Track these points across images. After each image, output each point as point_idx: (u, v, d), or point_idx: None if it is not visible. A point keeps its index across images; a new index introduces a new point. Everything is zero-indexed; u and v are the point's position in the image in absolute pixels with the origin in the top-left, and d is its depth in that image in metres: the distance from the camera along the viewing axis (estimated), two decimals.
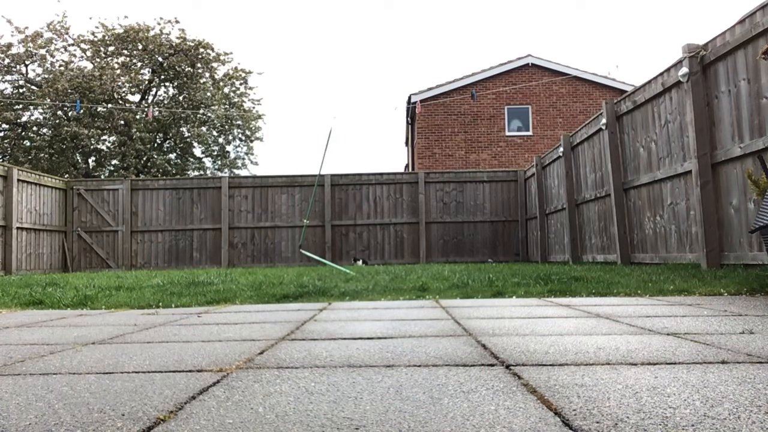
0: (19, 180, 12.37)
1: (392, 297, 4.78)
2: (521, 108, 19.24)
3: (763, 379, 1.56)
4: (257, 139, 28.17)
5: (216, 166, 27.84)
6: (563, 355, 1.97)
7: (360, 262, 13.77)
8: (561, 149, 10.69)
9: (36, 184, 13.11)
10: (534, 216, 13.38)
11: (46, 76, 23.84)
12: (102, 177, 24.49)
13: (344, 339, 2.47)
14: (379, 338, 2.46)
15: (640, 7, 63.00)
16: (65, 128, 22.47)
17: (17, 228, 12.31)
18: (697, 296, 4.15)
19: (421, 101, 18.10)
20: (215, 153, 27.53)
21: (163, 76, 25.80)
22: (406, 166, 27.96)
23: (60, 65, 24.26)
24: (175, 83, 26.01)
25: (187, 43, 25.01)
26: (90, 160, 25.20)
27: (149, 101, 26.52)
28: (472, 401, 1.39)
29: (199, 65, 25.58)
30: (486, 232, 14.53)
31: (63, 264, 14.12)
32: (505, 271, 7.39)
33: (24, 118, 24.00)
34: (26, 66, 24.33)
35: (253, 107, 27.80)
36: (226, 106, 26.89)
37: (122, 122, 24.44)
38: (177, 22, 25.32)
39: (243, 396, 1.50)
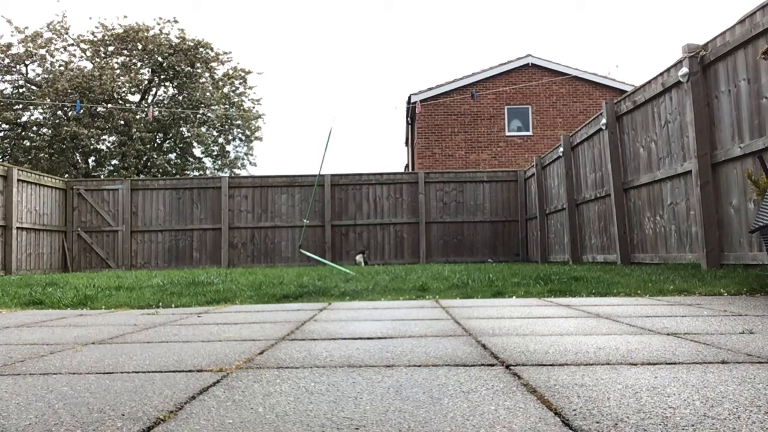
0: (19, 180, 12.37)
1: (392, 297, 4.78)
2: (521, 108, 19.24)
3: (763, 379, 1.56)
4: (257, 138, 28.19)
5: (216, 166, 27.85)
6: (563, 355, 1.97)
7: (360, 257, 13.78)
8: (561, 149, 10.69)
9: (36, 184, 13.11)
10: (534, 216, 13.37)
11: (46, 76, 23.84)
12: (102, 177, 24.48)
13: (344, 339, 2.47)
14: (379, 338, 2.46)
15: (640, 7, 62.99)
16: (65, 128, 22.46)
17: (17, 228, 12.30)
18: (697, 296, 4.15)
19: (421, 101, 18.10)
20: (215, 153, 27.54)
21: (162, 76, 25.81)
22: (406, 166, 27.95)
23: (60, 65, 24.26)
24: (175, 83, 26.03)
25: (187, 42, 25.04)
26: (90, 160, 25.19)
27: (149, 101, 26.52)
28: (472, 401, 1.39)
29: (198, 65, 25.60)
30: (486, 232, 14.53)
31: (63, 264, 14.12)
32: (505, 271, 7.39)
33: (24, 118, 23.99)
34: (26, 66, 24.34)
35: (253, 107, 27.84)
36: (226, 105, 26.91)
37: (122, 122, 24.44)
38: (176, 21, 25.44)
39: (243, 396, 1.50)
